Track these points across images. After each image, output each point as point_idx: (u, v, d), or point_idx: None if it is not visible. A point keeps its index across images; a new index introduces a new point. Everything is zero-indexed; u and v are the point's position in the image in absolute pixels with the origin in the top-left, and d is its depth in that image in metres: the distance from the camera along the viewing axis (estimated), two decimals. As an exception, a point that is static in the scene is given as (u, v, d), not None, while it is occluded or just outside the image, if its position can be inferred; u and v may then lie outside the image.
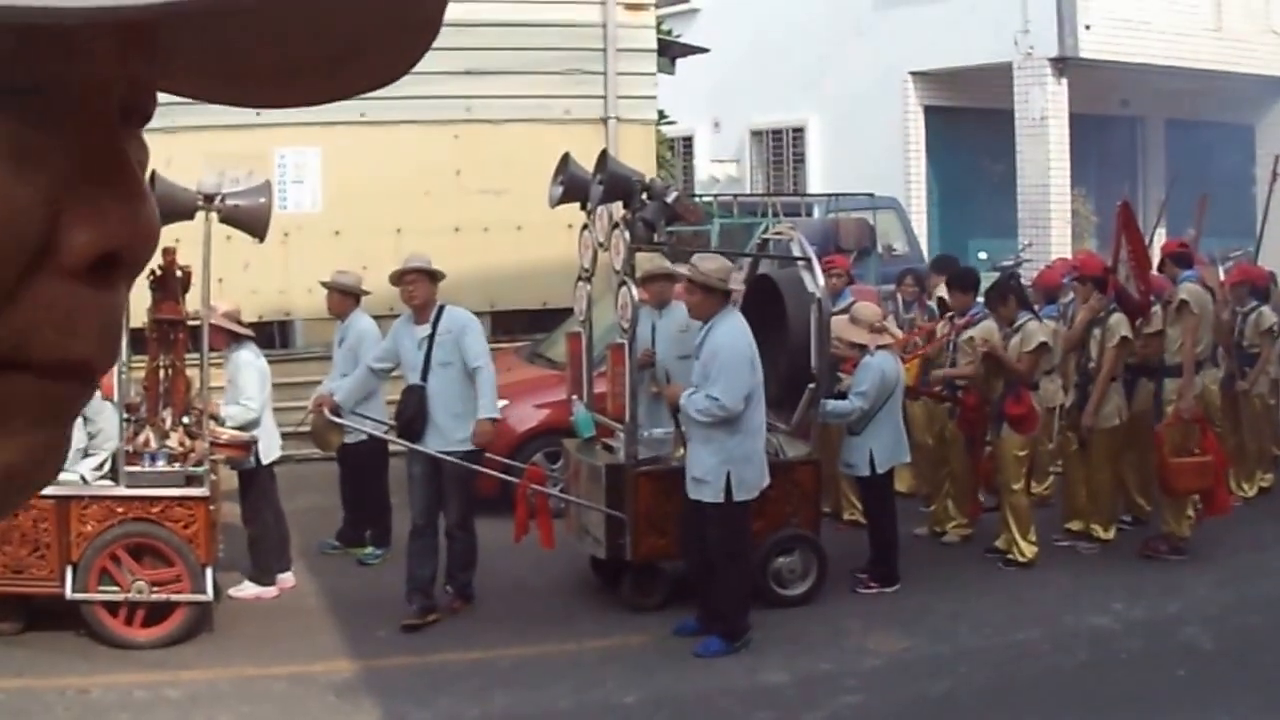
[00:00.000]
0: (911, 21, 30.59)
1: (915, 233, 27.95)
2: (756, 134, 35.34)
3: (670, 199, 11.97)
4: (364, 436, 13.12)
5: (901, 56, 31.01)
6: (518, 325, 18.62)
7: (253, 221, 11.50)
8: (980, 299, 14.32)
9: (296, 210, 17.94)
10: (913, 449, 13.97)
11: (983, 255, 24.17)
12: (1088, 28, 28.69)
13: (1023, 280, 16.21)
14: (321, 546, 13.91)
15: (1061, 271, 16.14)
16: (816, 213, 27.01)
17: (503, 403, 15.01)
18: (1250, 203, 21.37)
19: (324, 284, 13.79)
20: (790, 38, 32.25)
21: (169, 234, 11.15)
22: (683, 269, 11.89)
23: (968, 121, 31.65)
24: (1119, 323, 13.79)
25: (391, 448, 13.78)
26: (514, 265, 17.28)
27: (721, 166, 35.22)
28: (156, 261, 11.43)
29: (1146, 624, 12.05)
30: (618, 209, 12.08)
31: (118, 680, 10.37)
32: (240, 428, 12.06)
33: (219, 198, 11.18)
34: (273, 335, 17.95)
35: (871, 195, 26.35)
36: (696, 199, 28.75)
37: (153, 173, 10.92)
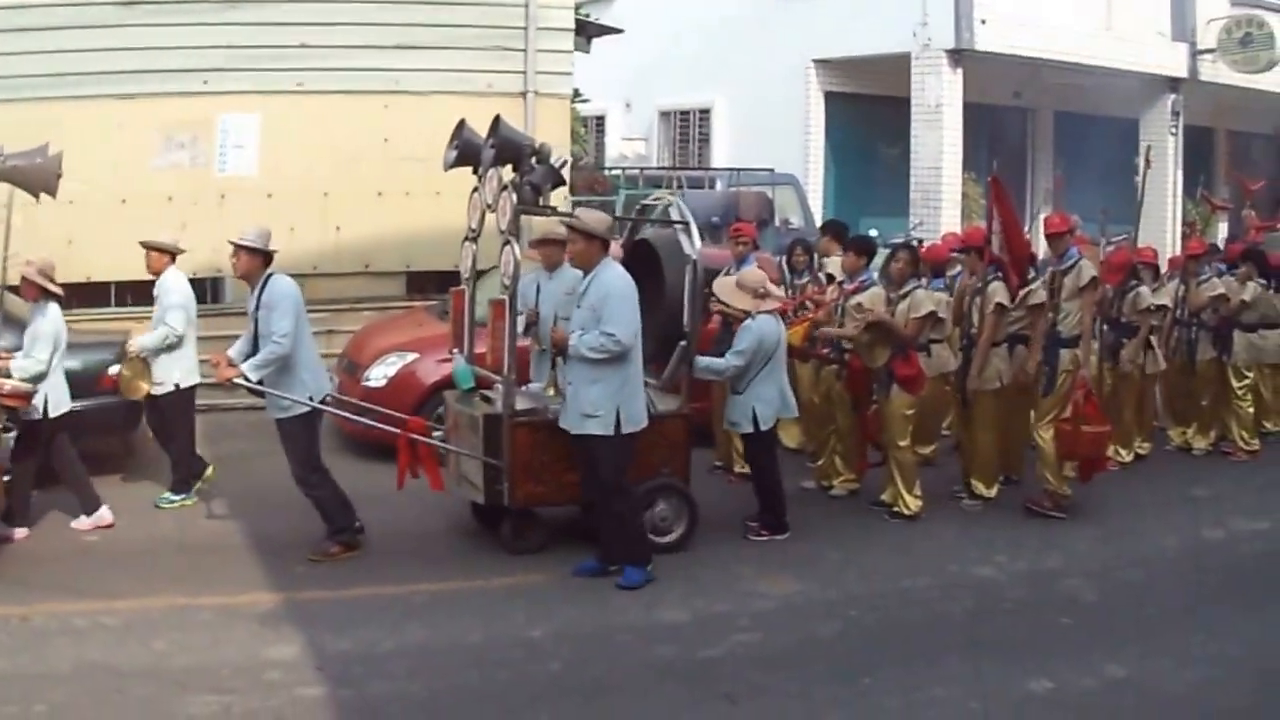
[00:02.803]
0: (815, 12, 31.15)
1: (811, 208, 28.46)
2: (665, 114, 35.86)
3: (558, 164, 12.30)
4: (170, 387, 13.68)
5: (805, 45, 31.58)
6: (430, 285, 19.09)
7: (31, 181, 11.78)
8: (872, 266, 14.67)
9: (235, 173, 18.49)
10: (800, 408, 14.47)
11: (874, 232, 24.69)
12: (983, 22, 29.28)
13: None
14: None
15: (949, 246, 16.59)
16: (719, 186, 27.45)
17: (412, 356, 15.45)
18: (1134, 191, 22.00)
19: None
20: (700, 24, 32.76)
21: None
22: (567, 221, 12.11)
23: (866, 107, 32.23)
24: (995, 290, 14.23)
25: (201, 400, 14.30)
26: (430, 228, 17.66)
27: (631, 145, 35.64)
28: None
29: (1029, 575, 12.46)
30: (508, 172, 12.36)
31: (57, 609, 10.69)
32: (31, 380, 12.33)
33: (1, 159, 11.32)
34: (205, 291, 18.33)
35: (771, 171, 26.92)
36: (605, 171, 29.34)
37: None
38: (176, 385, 13.77)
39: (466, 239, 13.37)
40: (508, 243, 12.15)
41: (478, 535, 12.95)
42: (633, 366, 11.71)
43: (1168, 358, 17.22)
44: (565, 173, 12.53)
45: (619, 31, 24.68)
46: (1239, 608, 11.68)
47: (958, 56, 29.60)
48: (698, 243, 12.82)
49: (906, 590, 11.99)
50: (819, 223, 24.79)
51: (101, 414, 14.25)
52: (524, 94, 19.99)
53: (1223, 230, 34.38)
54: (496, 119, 12.40)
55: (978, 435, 14.70)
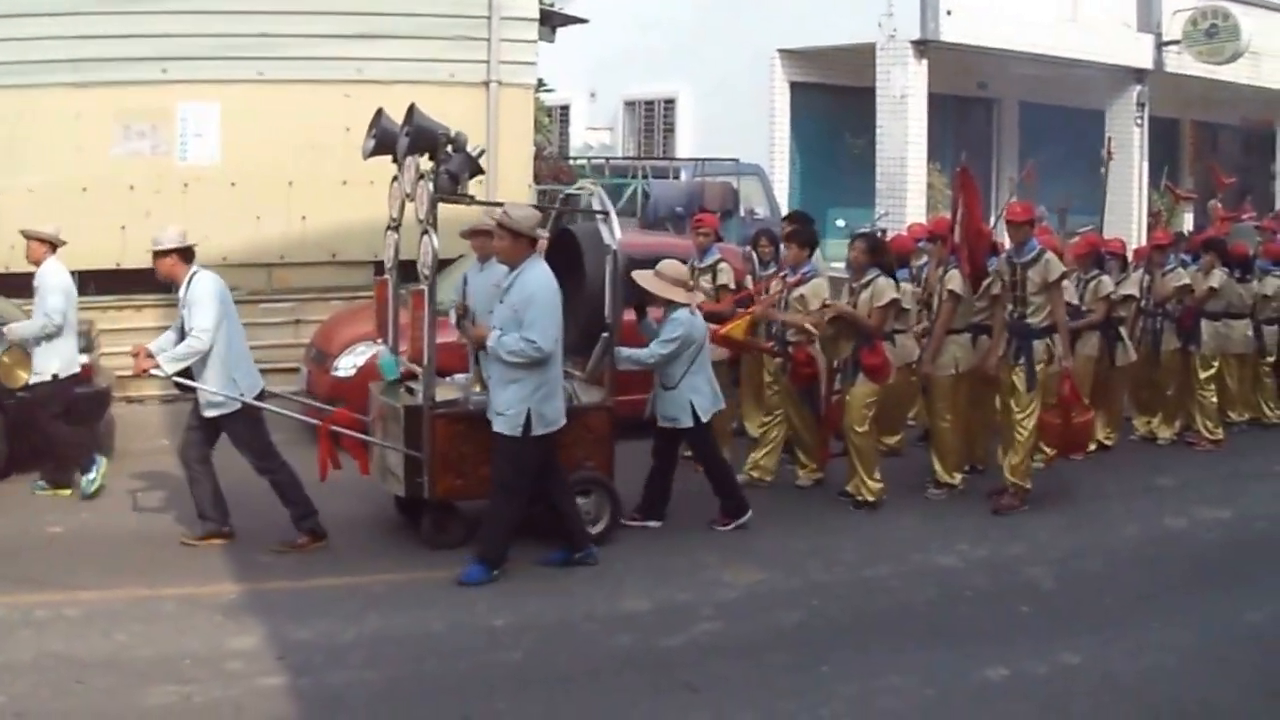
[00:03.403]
0: (780, 2, 31.11)
1: (776, 199, 28.49)
2: (630, 104, 35.86)
3: (475, 153, 12.18)
4: (48, 377, 13.70)
5: (770, 35, 31.57)
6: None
7: None
8: (813, 257, 14.76)
9: (196, 162, 18.50)
10: (762, 399, 14.51)
11: (840, 222, 24.74)
12: (949, 13, 29.29)
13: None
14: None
15: (915, 236, 16.70)
16: (684, 176, 27.53)
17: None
18: (1099, 183, 22.12)
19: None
20: (664, 14, 32.74)
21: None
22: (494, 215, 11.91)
23: (831, 97, 32.30)
24: (951, 278, 14.38)
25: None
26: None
27: (596, 134, 35.70)
28: None
29: (991, 564, 12.52)
30: (425, 161, 12.28)
31: (20, 600, 10.69)
32: None
33: None
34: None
35: (736, 161, 26.96)
36: (570, 160, 29.36)
37: None
38: (55, 375, 13.79)
39: (388, 228, 13.38)
40: (425, 232, 12.11)
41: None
42: (551, 369, 11.60)
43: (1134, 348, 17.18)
44: (484, 161, 12.33)
45: (583, 21, 24.71)
46: (1199, 596, 11.75)
47: (923, 47, 29.60)
48: (618, 233, 12.76)
49: (869, 579, 12.05)
50: (784, 213, 24.93)
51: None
52: (487, 83, 20.03)
53: (1189, 221, 34.53)
54: (411, 107, 12.38)
55: (935, 423, 14.80)
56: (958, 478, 14.76)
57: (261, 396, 12.52)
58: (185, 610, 10.70)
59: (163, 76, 18.11)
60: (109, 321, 16.41)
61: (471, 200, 12.33)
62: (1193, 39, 33.90)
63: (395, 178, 12.98)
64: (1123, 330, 16.85)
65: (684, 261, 14.50)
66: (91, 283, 17.23)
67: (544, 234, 12.32)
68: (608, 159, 30.26)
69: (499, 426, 11.47)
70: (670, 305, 13.08)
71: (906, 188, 29.37)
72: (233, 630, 10.31)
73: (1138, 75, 33.91)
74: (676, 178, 27.98)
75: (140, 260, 15.64)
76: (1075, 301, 15.83)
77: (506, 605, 10.94)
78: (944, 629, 10.79)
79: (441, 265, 13.27)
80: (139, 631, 10.21)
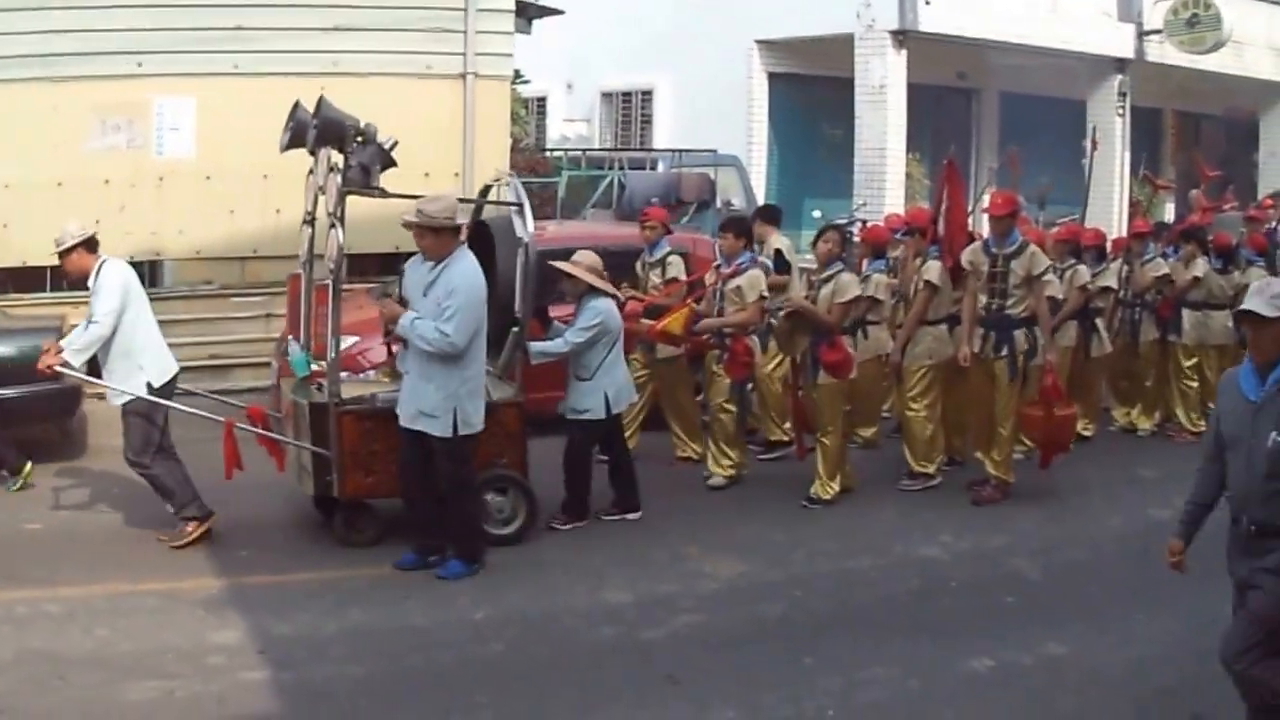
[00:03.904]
0: (759, -9, 31.15)
1: (754, 190, 28.42)
2: (607, 96, 35.80)
3: (387, 144, 11.92)
4: None
5: (748, 26, 31.52)
6: (370, 267, 19.06)
7: None
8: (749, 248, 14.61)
9: (172, 156, 18.45)
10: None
11: (817, 213, 24.71)
12: (928, 3, 29.25)
13: (853, 236, 16.60)
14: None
15: (892, 226, 16.65)
16: (661, 167, 27.48)
17: (352, 339, 15.03)
18: (1081, 174, 22.13)
19: None
20: (642, 5, 32.67)
21: None
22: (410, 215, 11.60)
23: (809, 88, 32.25)
24: (928, 268, 14.37)
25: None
26: (369, 211, 17.72)
27: (573, 126, 35.68)
28: None
29: (974, 555, 12.53)
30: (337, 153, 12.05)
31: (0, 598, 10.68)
32: None
33: None
34: (144, 275, 18.31)
35: (714, 152, 26.94)
36: (547, 153, 29.31)
37: None
38: None
39: (304, 222, 13.22)
40: (333, 226, 11.98)
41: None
42: (472, 368, 11.42)
43: (1111, 339, 17.15)
44: (396, 153, 12.14)
45: (560, 13, 24.68)
46: (1183, 587, 11.52)
47: (902, 37, 29.57)
48: (531, 225, 12.51)
49: (851, 571, 12.04)
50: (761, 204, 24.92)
51: (37, 401, 14.19)
52: (464, 75, 19.96)
53: (1170, 211, 34.55)
54: (320, 99, 12.17)
55: (904, 413, 14.79)
56: (931, 467, 14.67)
57: (173, 383, 12.39)
58: (166, 605, 10.68)
59: (138, 70, 18.06)
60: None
61: (383, 193, 12.03)
62: (1174, 28, 33.90)
63: (310, 170, 12.75)
64: (1099, 321, 16.80)
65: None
66: (65, 278, 17.19)
67: (463, 220, 12.02)
68: (584, 151, 30.20)
69: (432, 429, 11.32)
70: (589, 293, 12.96)
71: (885, 179, 29.34)
72: (214, 625, 10.30)
73: (1119, 65, 33.90)
74: (654, 169, 27.93)
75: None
76: (1060, 296, 15.76)
77: (488, 599, 10.94)
78: (927, 621, 10.76)
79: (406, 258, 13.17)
80: (120, 627, 10.19)
